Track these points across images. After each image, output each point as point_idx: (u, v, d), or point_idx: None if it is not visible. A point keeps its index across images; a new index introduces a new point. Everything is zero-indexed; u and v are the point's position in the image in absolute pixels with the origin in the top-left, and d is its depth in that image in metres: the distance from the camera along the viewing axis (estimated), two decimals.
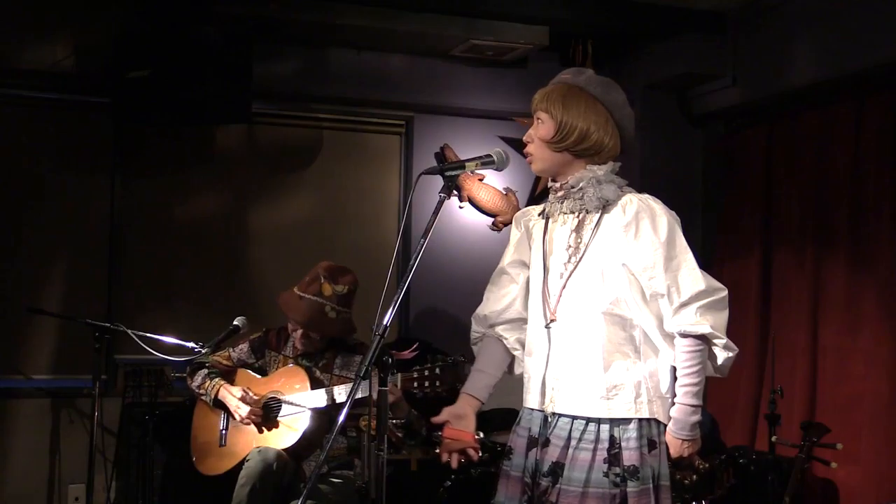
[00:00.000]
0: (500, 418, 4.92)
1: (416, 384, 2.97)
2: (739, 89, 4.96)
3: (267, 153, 5.02)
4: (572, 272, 2.55)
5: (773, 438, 4.05)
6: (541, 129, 2.61)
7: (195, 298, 4.85)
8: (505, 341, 2.73)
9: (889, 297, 4.28)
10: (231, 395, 3.77)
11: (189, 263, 4.87)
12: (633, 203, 2.52)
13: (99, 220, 4.74)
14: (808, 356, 4.62)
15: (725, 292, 2.49)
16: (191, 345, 3.77)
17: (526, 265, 2.73)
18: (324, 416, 3.76)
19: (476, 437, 2.65)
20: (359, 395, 3.50)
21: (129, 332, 3.81)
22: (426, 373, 2.95)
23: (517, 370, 2.73)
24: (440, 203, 2.40)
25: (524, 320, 2.70)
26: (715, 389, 5.15)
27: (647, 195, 2.58)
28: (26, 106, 4.65)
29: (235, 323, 3.87)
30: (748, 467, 4.32)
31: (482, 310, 2.76)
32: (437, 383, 2.95)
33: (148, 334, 3.82)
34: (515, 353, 2.72)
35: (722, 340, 2.47)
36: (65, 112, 4.70)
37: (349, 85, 4.98)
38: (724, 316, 2.49)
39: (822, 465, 3.89)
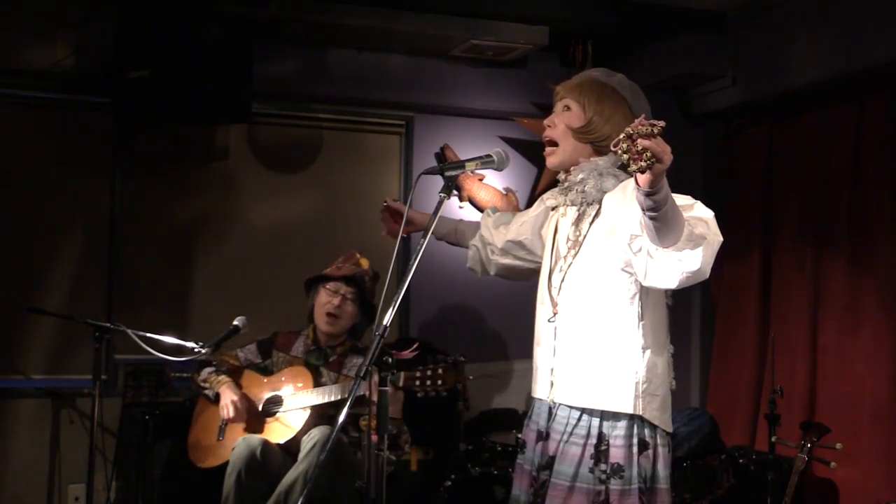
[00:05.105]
0: (500, 418, 4.92)
1: (418, 383, 2.99)
2: (739, 89, 4.96)
3: (267, 153, 5.01)
4: (571, 264, 2.57)
5: (773, 438, 4.05)
6: (567, 116, 2.62)
7: (195, 298, 4.84)
8: (473, 242, 2.99)
9: (889, 297, 4.29)
10: (228, 393, 3.86)
11: (189, 263, 4.87)
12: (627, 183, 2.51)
13: (99, 219, 4.73)
14: (808, 356, 4.62)
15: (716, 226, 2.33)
16: (191, 345, 3.79)
17: (519, 244, 2.85)
18: (324, 416, 3.78)
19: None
20: (359, 393, 3.64)
21: (129, 332, 3.81)
22: (429, 372, 2.97)
23: (469, 263, 3.01)
24: (440, 203, 2.41)
25: (494, 247, 2.91)
26: (715, 389, 5.16)
27: None
28: (26, 106, 4.64)
29: (235, 323, 3.88)
30: (748, 467, 4.32)
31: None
32: (440, 383, 2.99)
33: (148, 334, 3.81)
34: (473, 246, 2.98)
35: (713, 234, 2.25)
36: (65, 112, 4.69)
37: (349, 85, 4.98)
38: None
39: (822, 465, 3.89)
